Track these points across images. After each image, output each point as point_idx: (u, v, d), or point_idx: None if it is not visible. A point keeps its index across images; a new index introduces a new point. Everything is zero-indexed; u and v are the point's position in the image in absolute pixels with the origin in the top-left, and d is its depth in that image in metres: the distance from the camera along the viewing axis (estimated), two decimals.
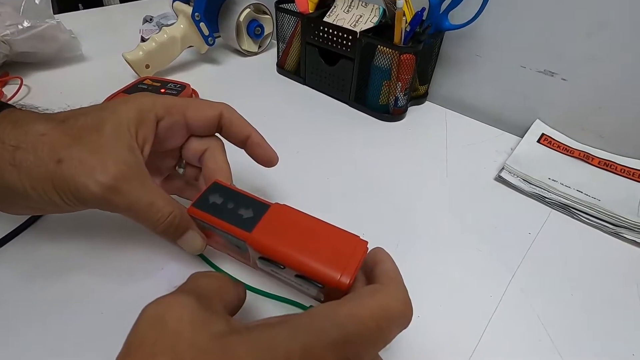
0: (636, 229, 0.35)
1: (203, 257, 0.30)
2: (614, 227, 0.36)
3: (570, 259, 0.33)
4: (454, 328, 0.27)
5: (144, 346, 0.15)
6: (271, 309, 0.27)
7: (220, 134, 0.29)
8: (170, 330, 0.15)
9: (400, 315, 0.17)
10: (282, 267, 0.20)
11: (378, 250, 0.22)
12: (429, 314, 0.28)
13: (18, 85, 0.49)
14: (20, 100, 0.49)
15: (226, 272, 0.29)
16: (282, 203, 0.23)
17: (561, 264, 0.33)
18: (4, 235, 0.31)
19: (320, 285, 0.20)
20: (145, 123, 0.24)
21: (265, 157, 0.29)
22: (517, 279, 0.31)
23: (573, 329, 0.28)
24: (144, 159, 0.24)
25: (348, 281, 0.19)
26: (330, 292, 0.20)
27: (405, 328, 0.17)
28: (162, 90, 0.44)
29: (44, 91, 0.51)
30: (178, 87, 0.45)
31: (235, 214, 0.22)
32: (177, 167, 0.32)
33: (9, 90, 0.50)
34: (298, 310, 0.27)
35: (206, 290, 0.19)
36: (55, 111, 0.25)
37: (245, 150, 0.29)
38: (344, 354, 0.15)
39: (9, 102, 0.48)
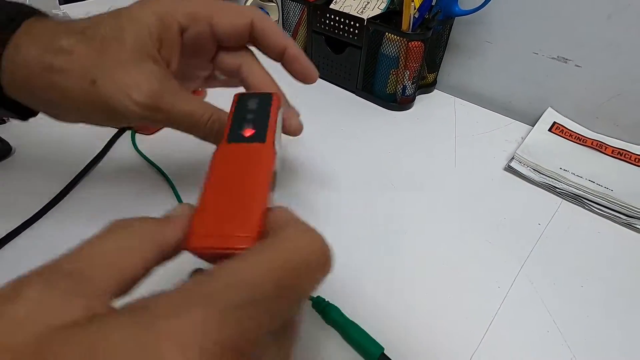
0: None
1: None
2: (627, 217, 0.35)
3: (580, 250, 0.33)
4: (462, 318, 0.27)
5: None
6: None
7: (252, 45, 0.26)
8: None
9: (302, 260, 0.12)
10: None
11: (277, 209, 0.16)
12: (438, 304, 0.28)
13: None
14: None
15: None
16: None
17: (571, 255, 0.32)
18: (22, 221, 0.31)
19: None
20: (168, 33, 0.22)
21: (305, 72, 0.26)
22: (525, 270, 0.31)
23: (582, 321, 0.28)
24: (172, 72, 0.23)
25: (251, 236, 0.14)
26: None
27: (324, 274, 0.13)
28: None
29: None
30: None
31: (245, 120, 0.18)
32: (215, 72, 0.29)
33: None
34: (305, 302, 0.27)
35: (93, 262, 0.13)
36: None
37: (282, 64, 0.26)
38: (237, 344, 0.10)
39: None
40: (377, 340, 0.25)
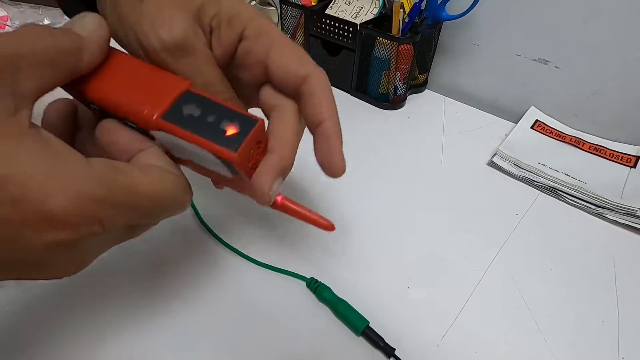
0: (618, 210, 0.37)
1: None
2: (598, 208, 0.38)
3: (553, 237, 0.36)
4: (440, 297, 0.31)
5: None
6: (270, 280, 0.31)
7: (295, 100, 0.22)
8: None
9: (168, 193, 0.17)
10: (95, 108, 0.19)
11: None
12: (418, 285, 0.31)
13: None
14: None
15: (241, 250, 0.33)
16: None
17: (544, 242, 0.35)
18: None
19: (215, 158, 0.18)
20: (229, 28, 0.21)
21: (327, 157, 0.22)
22: (501, 255, 0.34)
23: (549, 299, 0.31)
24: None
25: (154, 115, 0.17)
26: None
27: (170, 212, 0.18)
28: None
29: None
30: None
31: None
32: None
33: None
34: (300, 283, 0.31)
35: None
36: None
37: (313, 136, 0.22)
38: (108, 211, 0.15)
39: None
40: (363, 315, 0.28)
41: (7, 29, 0.52)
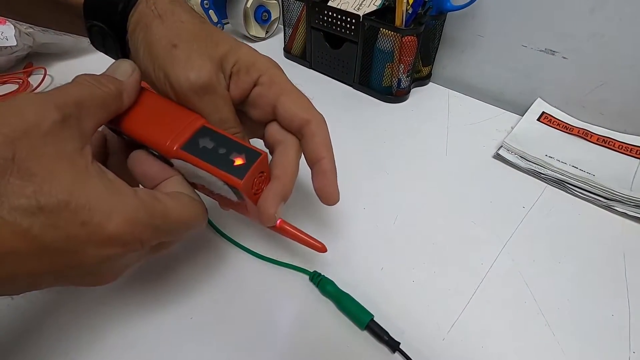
0: (627, 202, 0.36)
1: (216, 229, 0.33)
2: (607, 200, 0.37)
3: (561, 230, 0.35)
4: (446, 290, 0.30)
5: None
6: (273, 274, 0.30)
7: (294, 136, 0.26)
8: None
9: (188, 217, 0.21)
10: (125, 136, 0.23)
11: None
12: (424, 279, 0.31)
13: (42, 75, 0.53)
14: (44, 89, 0.52)
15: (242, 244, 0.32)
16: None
17: (552, 235, 0.35)
18: None
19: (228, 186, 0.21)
20: (247, 74, 0.25)
21: (325, 190, 0.26)
22: (508, 248, 0.33)
23: (557, 292, 0.30)
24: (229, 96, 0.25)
25: (175, 146, 0.21)
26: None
27: (191, 229, 0.22)
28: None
29: (66, 80, 0.54)
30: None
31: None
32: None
33: (34, 79, 0.53)
34: (303, 277, 0.30)
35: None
36: None
37: (311, 171, 0.27)
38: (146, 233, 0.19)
39: (35, 91, 0.52)
40: (367, 309, 0.27)
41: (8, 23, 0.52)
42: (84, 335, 0.26)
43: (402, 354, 0.26)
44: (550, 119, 0.47)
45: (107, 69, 0.23)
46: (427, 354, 0.26)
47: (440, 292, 0.30)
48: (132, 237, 0.18)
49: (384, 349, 0.26)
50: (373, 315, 0.27)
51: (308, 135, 0.25)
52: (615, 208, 0.36)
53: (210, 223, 0.34)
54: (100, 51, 0.27)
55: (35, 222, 0.15)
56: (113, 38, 0.25)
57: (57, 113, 0.17)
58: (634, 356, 0.26)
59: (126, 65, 0.23)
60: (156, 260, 0.31)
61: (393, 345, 0.26)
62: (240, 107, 0.26)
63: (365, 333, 0.27)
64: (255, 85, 0.25)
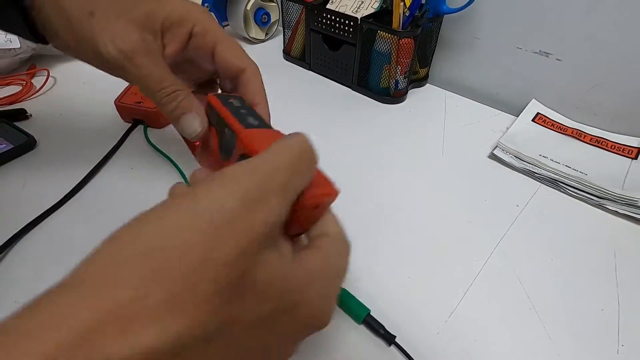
0: (619, 201, 0.37)
1: None
2: (599, 199, 0.38)
3: (554, 228, 0.36)
4: (441, 286, 0.31)
5: None
6: None
7: (230, 82, 0.29)
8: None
9: (297, 155, 0.17)
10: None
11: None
12: (419, 275, 0.31)
13: (45, 77, 0.54)
14: (47, 91, 0.53)
15: None
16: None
17: (545, 233, 0.36)
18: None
19: None
20: (180, 28, 0.26)
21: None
22: (501, 246, 0.34)
23: (549, 288, 0.31)
24: (165, 54, 0.26)
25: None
26: None
27: (313, 162, 0.19)
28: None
29: (69, 81, 0.55)
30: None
31: (242, 115, 0.23)
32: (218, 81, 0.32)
33: (37, 81, 0.54)
34: None
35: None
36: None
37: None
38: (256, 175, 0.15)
39: (38, 92, 0.52)
40: (364, 303, 0.28)
41: None
42: None
43: (397, 347, 0.26)
44: (545, 120, 0.48)
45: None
46: (421, 347, 0.27)
47: (435, 288, 0.31)
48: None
49: (380, 343, 0.27)
50: (370, 310, 0.28)
51: (243, 83, 0.27)
52: (607, 206, 0.37)
53: None
54: None
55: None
56: (11, 5, 0.24)
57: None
58: (622, 349, 0.27)
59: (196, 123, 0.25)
60: None
61: (389, 338, 0.27)
62: (182, 62, 0.27)
63: (362, 327, 0.28)
64: (190, 37, 0.26)
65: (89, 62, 0.25)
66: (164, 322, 0.11)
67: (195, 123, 0.25)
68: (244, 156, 0.20)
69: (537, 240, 0.35)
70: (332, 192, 0.19)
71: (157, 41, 0.25)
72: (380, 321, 0.27)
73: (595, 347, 0.27)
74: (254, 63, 0.28)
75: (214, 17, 0.27)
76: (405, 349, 0.26)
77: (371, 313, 0.28)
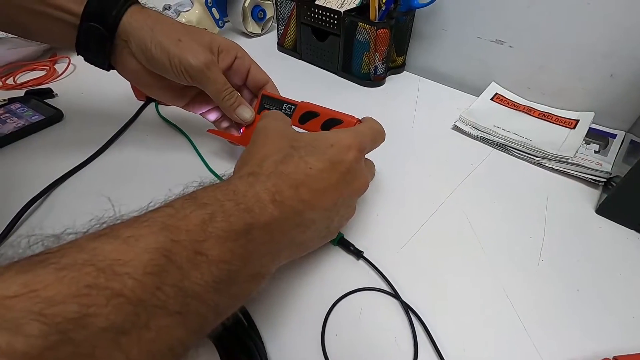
0: (554, 159, 0.45)
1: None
2: (538, 158, 0.45)
3: (500, 181, 0.44)
4: (402, 220, 0.38)
5: (263, 131, 0.30)
6: None
7: (255, 90, 0.42)
8: (275, 127, 0.30)
9: (379, 129, 0.34)
10: (318, 114, 0.36)
11: (366, 117, 0.36)
12: (385, 213, 0.39)
13: (67, 64, 0.61)
14: (69, 75, 0.60)
15: None
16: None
17: (492, 184, 0.43)
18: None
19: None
20: (229, 53, 0.38)
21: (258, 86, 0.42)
22: (455, 194, 0.42)
23: (491, 224, 0.38)
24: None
25: (355, 121, 0.35)
26: None
27: (383, 140, 0.34)
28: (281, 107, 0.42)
29: (88, 68, 0.62)
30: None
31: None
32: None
33: (59, 67, 0.61)
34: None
35: (277, 116, 0.33)
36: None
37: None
38: (355, 137, 0.30)
39: (61, 77, 0.59)
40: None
41: None
42: None
43: (365, 259, 0.34)
44: (502, 99, 0.56)
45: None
46: (384, 262, 0.34)
47: (397, 222, 0.38)
48: (359, 141, 0.29)
49: (351, 258, 0.34)
50: (343, 234, 0.35)
51: (267, 88, 0.41)
52: (545, 164, 0.45)
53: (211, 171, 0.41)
54: (82, 54, 0.36)
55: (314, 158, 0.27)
56: (106, 37, 0.34)
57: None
58: (542, 263, 0.35)
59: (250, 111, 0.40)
60: None
61: (358, 253, 0.34)
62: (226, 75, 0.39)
63: (337, 248, 0.35)
64: (235, 59, 0.39)
65: (176, 73, 0.35)
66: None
67: (248, 110, 0.39)
68: (305, 114, 0.37)
69: (485, 190, 0.42)
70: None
71: (216, 59, 0.37)
72: (350, 241, 0.34)
73: (522, 263, 0.35)
74: (272, 83, 0.42)
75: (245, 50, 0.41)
76: (372, 261, 0.33)
77: (344, 237, 0.35)
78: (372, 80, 0.61)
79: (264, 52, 0.71)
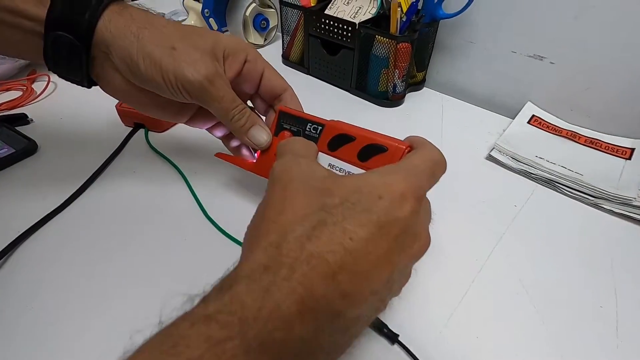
0: (614, 200, 0.38)
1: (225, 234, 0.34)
2: (594, 198, 0.39)
3: (551, 227, 0.37)
4: (442, 285, 0.31)
5: (281, 182, 0.21)
6: None
7: (271, 100, 0.35)
8: (298, 173, 0.22)
9: (439, 160, 0.24)
10: (353, 138, 0.27)
11: (412, 136, 0.27)
12: (421, 276, 0.32)
13: (46, 82, 0.54)
14: (48, 96, 0.54)
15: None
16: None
17: (542, 232, 0.36)
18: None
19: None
20: (237, 56, 0.31)
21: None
22: (501, 245, 0.35)
23: (548, 285, 0.31)
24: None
25: (404, 147, 0.25)
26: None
27: (444, 172, 0.24)
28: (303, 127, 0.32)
29: (69, 87, 0.55)
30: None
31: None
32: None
33: (38, 87, 0.54)
34: None
35: (300, 150, 0.25)
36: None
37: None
38: (410, 181, 0.21)
39: (39, 98, 0.53)
40: None
41: None
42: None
43: (400, 345, 0.27)
44: (540, 122, 0.49)
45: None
46: (424, 345, 0.27)
47: (437, 287, 0.31)
48: (416, 185, 0.20)
49: (383, 342, 0.27)
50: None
51: (285, 100, 0.34)
52: (603, 206, 0.38)
53: (214, 224, 0.35)
54: (54, 70, 0.29)
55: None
56: (79, 49, 0.27)
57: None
58: (622, 345, 0.28)
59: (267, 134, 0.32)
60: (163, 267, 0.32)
61: (392, 337, 0.27)
62: (234, 83, 0.31)
63: (367, 329, 0.28)
64: (245, 62, 0.31)
65: (173, 91, 0.28)
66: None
67: (264, 133, 0.32)
68: (336, 137, 0.28)
69: (535, 239, 0.35)
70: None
71: (222, 68, 0.30)
72: (383, 320, 0.28)
73: (594, 343, 0.28)
74: (292, 91, 0.34)
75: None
76: (409, 347, 0.27)
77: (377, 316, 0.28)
78: (389, 99, 0.54)
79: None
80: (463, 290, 0.31)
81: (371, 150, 0.27)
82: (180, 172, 0.41)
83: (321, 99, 0.56)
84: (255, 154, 0.35)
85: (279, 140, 0.31)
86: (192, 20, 0.59)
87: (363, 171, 0.26)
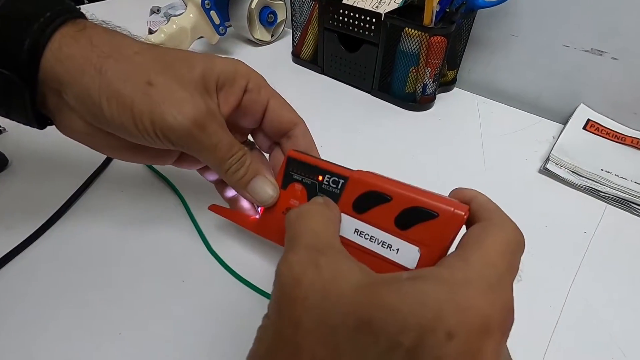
0: None
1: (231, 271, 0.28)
2: None
3: (634, 258, 0.30)
4: (514, 349, 0.24)
5: (290, 307, 0.15)
6: None
7: (277, 137, 0.27)
8: (315, 294, 0.15)
9: (517, 242, 0.16)
10: (389, 198, 0.20)
11: (465, 189, 0.20)
12: None
13: None
14: None
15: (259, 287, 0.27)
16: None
17: (625, 266, 0.29)
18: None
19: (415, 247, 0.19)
20: (234, 85, 0.24)
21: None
22: (577, 286, 0.28)
23: (637, 328, 0.25)
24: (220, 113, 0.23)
25: (464, 213, 0.18)
26: (432, 246, 0.18)
27: (523, 253, 0.17)
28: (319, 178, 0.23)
29: None
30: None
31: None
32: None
33: None
34: None
35: (320, 233, 0.18)
36: None
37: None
38: (492, 298, 0.14)
39: None
40: None
41: None
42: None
43: None
44: (598, 128, 0.42)
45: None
46: None
47: (517, 339, 0.24)
48: (501, 305, 0.14)
49: None
50: None
51: (295, 137, 0.26)
52: None
53: (217, 258, 0.28)
54: None
55: None
56: (19, 87, 0.20)
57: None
58: None
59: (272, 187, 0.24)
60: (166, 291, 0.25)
61: None
62: (229, 118, 0.24)
63: None
64: (245, 92, 0.24)
65: (148, 140, 0.21)
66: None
67: (269, 187, 0.24)
68: (365, 195, 0.20)
69: (618, 277, 0.29)
70: None
71: (215, 103, 0.23)
72: None
73: None
74: (301, 117, 0.27)
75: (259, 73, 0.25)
76: None
77: None
78: (418, 102, 0.47)
79: (274, 64, 0.58)
80: (541, 349, 0.24)
81: (414, 216, 0.19)
82: (179, 193, 0.34)
83: (337, 102, 0.49)
84: (259, 209, 0.26)
85: (288, 195, 0.24)
86: (191, 13, 0.53)
87: (403, 242, 0.19)
